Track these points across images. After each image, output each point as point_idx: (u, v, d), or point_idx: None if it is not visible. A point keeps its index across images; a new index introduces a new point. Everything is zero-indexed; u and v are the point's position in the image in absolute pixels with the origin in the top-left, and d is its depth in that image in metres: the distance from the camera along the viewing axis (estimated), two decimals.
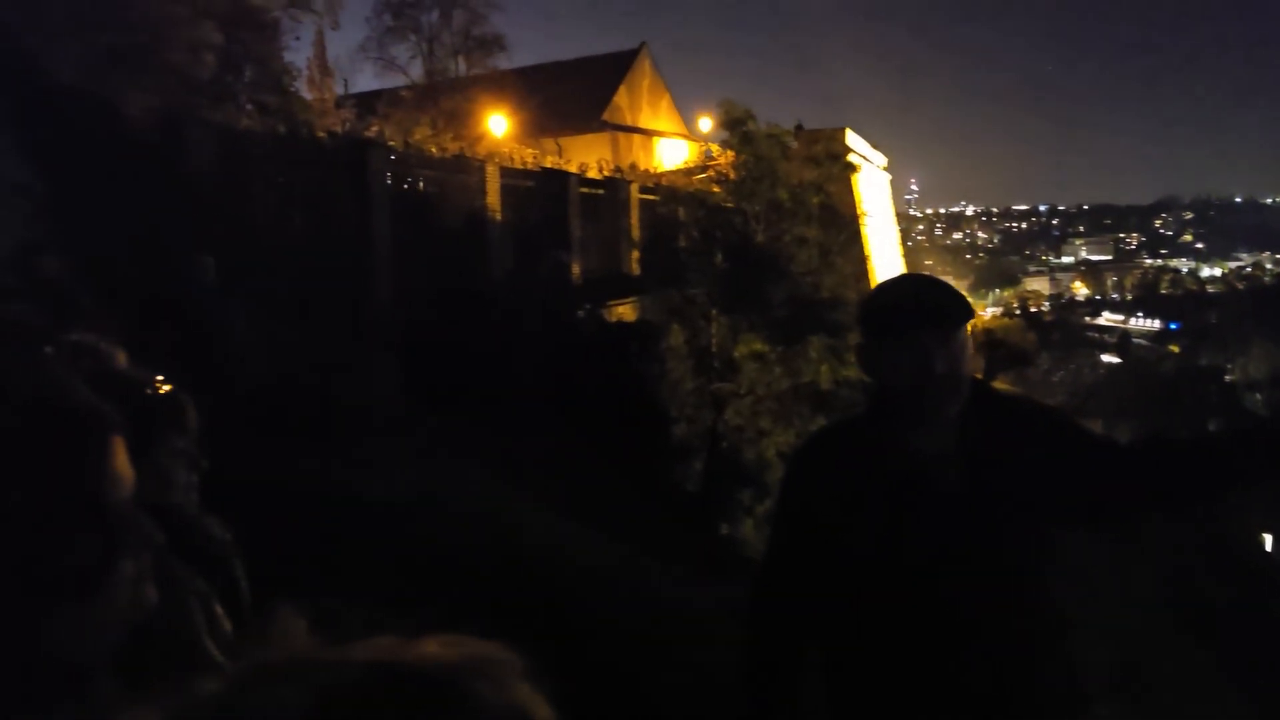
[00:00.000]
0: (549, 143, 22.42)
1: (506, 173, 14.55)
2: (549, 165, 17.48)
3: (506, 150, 17.43)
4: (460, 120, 22.91)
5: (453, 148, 14.86)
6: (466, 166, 13.77)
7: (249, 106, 11.33)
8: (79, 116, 8.03)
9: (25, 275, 4.65)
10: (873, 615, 1.98)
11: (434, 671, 0.55)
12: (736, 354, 14.68)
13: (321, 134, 11.81)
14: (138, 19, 9.38)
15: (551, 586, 5.08)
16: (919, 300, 1.95)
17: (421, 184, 12.92)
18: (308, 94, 15.39)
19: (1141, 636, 13.09)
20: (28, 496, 0.84)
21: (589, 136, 28.66)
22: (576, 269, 15.19)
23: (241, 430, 4.62)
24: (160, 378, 1.75)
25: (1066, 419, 2.12)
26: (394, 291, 11.23)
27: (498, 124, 25.36)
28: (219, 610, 1.65)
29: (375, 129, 14.08)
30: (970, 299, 2.23)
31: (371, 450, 6.68)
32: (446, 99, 24.60)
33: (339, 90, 24.65)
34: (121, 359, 1.68)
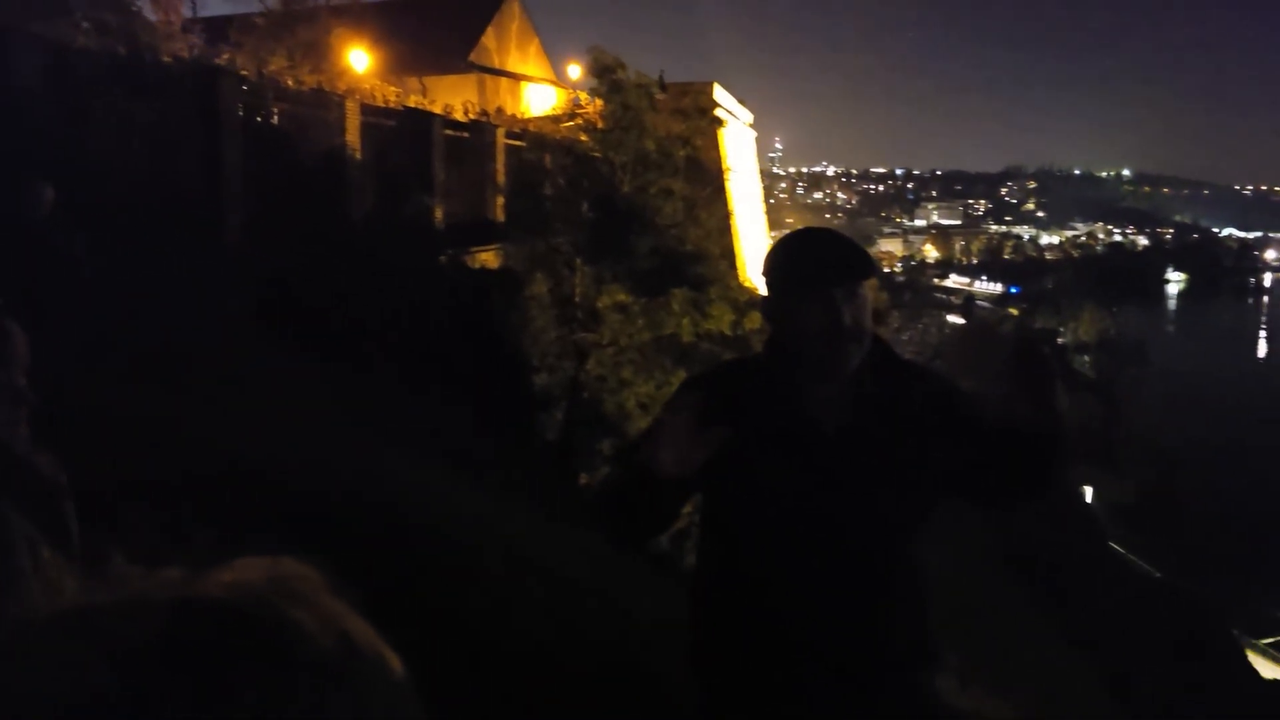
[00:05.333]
0: (413, 82, 21.74)
1: (367, 110, 14.06)
2: (412, 105, 16.98)
3: (368, 87, 16.83)
4: (319, 54, 21.88)
5: (310, 81, 14.25)
6: (325, 101, 13.24)
7: (85, 25, 10.56)
8: None
9: None
10: (742, 548, 2.05)
11: (239, 601, 0.50)
12: (600, 305, 14.71)
13: (167, 59, 11.14)
14: None
15: (401, 529, 5.07)
16: (828, 255, 1.99)
17: (276, 118, 12.34)
18: (152, 15, 14.42)
19: (971, 580, 14.01)
20: None
21: (455, 78, 27.91)
22: (440, 213, 14.85)
23: (77, 366, 4.40)
24: None
25: (960, 392, 2.13)
26: (246, 228, 10.76)
27: (359, 59, 24.39)
28: (46, 553, 1.59)
29: (227, 57, 13.36)
30: None
31: (216, 390, 6.46)
32: (305, 30, 23.43)
33: (187, 13, 23.23)
34: None
